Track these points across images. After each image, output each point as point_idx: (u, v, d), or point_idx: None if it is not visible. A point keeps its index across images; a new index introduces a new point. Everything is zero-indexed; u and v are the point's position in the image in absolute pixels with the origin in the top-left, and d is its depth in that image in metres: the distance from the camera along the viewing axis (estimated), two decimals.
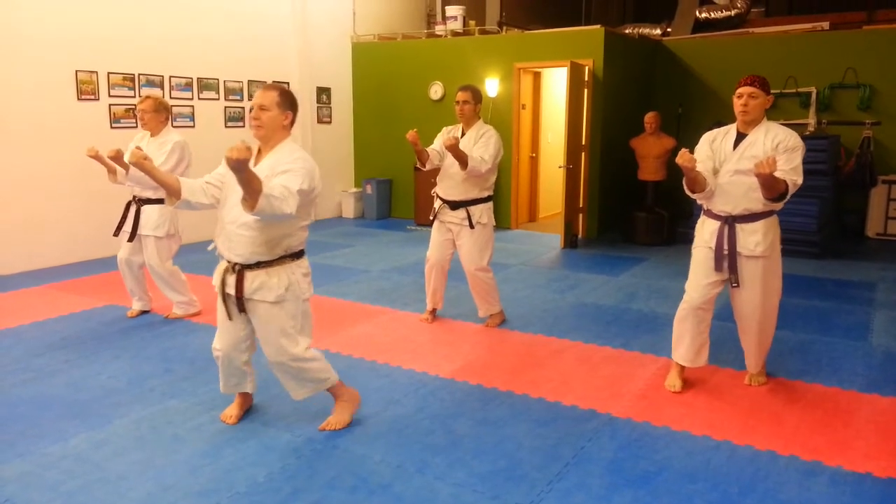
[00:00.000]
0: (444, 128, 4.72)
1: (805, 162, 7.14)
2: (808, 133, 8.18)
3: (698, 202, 3.66)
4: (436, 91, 9.20)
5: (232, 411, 3.39)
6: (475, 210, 4.58)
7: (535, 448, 3.14)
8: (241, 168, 2.50)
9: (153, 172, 2.97)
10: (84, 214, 6.71)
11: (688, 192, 3.56)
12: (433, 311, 4.97)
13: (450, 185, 4.60)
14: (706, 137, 3.63)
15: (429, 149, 4.55)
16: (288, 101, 2.99)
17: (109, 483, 2.83)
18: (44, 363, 4.15)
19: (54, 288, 5.89)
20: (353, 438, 3.22)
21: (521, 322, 5.00)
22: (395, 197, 9.83)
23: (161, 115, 4.69)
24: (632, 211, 8.06)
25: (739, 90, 3.45)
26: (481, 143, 4.49)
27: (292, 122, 3.02)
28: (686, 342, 3.74)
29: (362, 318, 5.06)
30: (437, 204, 4.72)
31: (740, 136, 3.50)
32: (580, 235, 8.24)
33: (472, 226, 4.56)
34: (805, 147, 3.41)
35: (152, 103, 4.66)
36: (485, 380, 3.91)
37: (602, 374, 4.02)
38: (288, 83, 8.98)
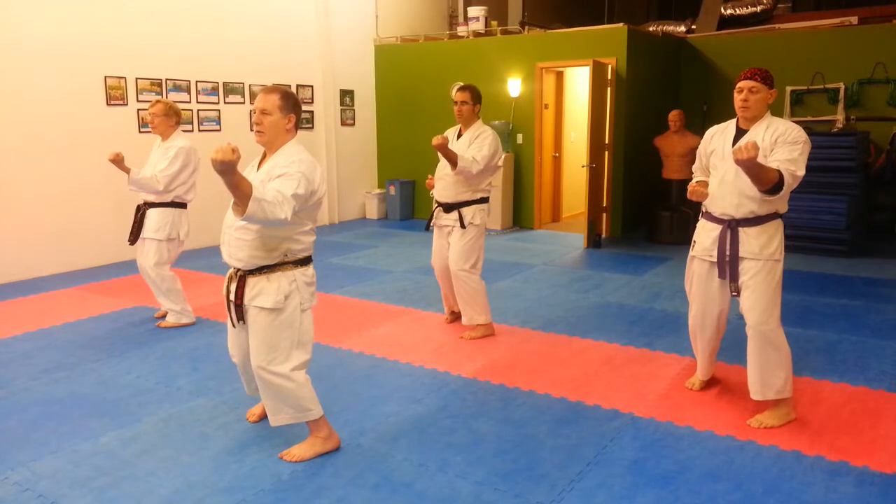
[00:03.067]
0: (448, 130, 4.62)
1: (834, 159, 7.15)
2: (836, 129, 8.07)
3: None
4: None
5: (255, 410, 3.44)
6: (467, 211, 4.47)
7: (556, 447, 3.14)
8: (227, 171, 2.39)
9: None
10: (114, 218, 6.84)
11: (689, 196, 3.41)
12: (453, 313, 4.96)
13: (443, 186, 4.53)
14: (708, 134, 3.47)
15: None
16: (290, 103, 2.87)
17: (138, 479, 2.89)
18: (75, 363, 4.24)
19: (85, 290, 6.02)
20: (376, 437, 3.25)
21: (544, 322, 4.99)
22: (419, 198, 9.86)
23: (171, 119, 4.74)
24: (656, 210, 8.01)
25: (739, 84, 3.23)
26: (476, 144, 4.40)
27: (296, 125, 2.92)
28: (698, 356, 3.73)
29: (385, 319, 5.10)
30: (434, 208, 4.66)
31: (740, 133, 3.28)
32: (604, 235, 8.20)
33: (463, 225, 4.47)
34: (810, 143, 3.16)
35: (162, 108, 4.72)
36: (507, 379, 3.92)
37: (625, 374, 4.01)
38: (312, 86, 9.08)
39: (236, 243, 2.85)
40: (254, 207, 2.51)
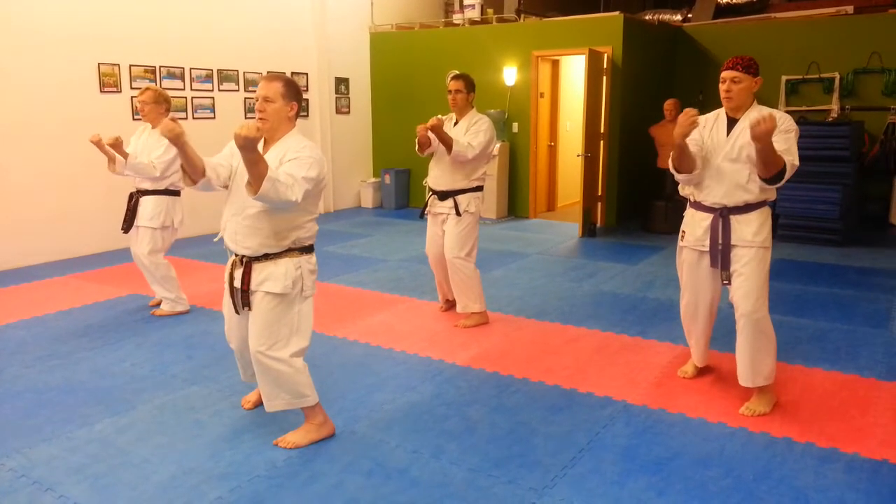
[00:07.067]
0: (436, 116, 4.60)
1: (828, 148, 7.16)
2: (830, 119, 8.08)
3: (683, 192, 3.50)
4: None
5: (250, 397, 3.45)
6: (462, 199, 4.50)
7: (549, 434, 3.16)
8: (249, 147, 2.46)
9: (185, 148, 2.71)
10: (108, 205, 6.81)
11: (672, 170, 3.33)
12: (447, 302, 4.98)
13: (438, 174, 4.56)
14: (701, 120, 3.37)
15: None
16: (292, 91, 2.88)
17: (133, 466, 2.90)
18: (69, 350, 4.24)
19: (79, 278, 6.01)
20: (370, 424, 3.27)
21: (538, 310, 5.01)
22: (414, 186, 9.85)
23: (161, 106, 4.71)
24: (650, 199, 8.03)
25: (722, 74, 3.22)
26: (472, 132, 4.44)
27: (297, 113, 2.93)
28: (692, 343, 3.76)
29: (380, 307, 5.11)
30: (428, 196, 4.68)
31: (731, 122, 3.29)
32: (598, 224, 8.22)
33: (458, 213, 4.50)
34: (799, 131, 3.19)
35: (152, 95, 4.69)
36: (501, 367, 3.94)
37: (618, 362, 4.03)
38: (307, 74, 9.04)
39: (245, 231, 2.87)
40: (267, 186, 2.56)
